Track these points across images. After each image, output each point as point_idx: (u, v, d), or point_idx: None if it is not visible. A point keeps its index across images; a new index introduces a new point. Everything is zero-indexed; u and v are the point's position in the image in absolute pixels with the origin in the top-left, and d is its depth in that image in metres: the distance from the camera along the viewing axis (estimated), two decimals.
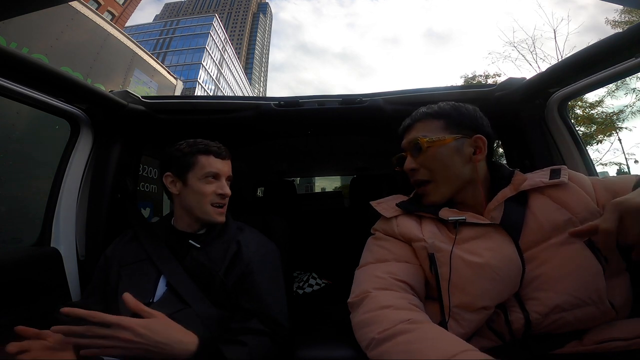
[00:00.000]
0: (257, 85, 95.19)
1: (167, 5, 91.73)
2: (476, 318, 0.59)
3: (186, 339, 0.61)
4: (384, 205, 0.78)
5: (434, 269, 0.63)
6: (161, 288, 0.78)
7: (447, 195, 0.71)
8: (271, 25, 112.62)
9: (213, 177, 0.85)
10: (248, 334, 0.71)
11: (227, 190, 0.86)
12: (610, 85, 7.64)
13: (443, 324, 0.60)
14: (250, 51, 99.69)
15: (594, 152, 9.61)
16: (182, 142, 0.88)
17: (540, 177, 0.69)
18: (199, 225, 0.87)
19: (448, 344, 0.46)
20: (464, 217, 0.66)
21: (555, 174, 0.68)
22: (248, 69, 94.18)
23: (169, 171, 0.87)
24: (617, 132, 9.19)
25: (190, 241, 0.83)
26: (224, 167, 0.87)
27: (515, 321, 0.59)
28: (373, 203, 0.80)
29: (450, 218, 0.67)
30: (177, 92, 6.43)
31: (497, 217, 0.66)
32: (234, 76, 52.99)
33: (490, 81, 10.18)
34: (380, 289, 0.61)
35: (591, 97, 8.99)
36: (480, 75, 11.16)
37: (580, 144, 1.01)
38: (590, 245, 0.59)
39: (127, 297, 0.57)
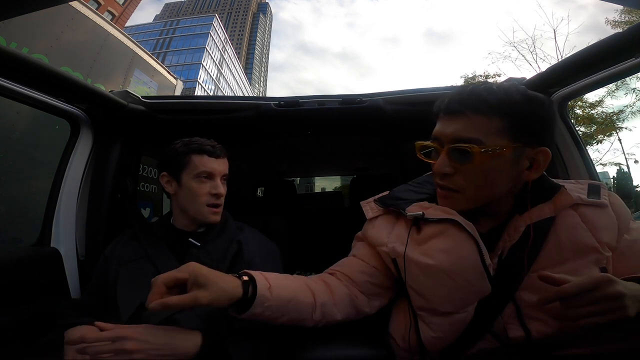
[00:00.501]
0: (257, 85, 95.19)
1: (167, 5, 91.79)
2: (446, 322, 0.57)
3: (188, 335, 0.61)
4: (371, 205, 0.73)
5: (398, 273, 0.62)
6: None
7: (470, 207, 0.58)
8: (271, 25, 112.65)
9: (206, 176, 0.84)
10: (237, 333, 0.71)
11: (221, 190, 0.84)
12: (610, 85, 7.64)
13: (414, 325, 0.60)
14: (250, 51, 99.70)
15: (594, 152, 9.62)
16: (178, 142, 0.87)
17: (578, 191, 0.59)
18: (196, 225, 0.87)
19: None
20: (421, 213, 0.59)
21: (594, 191, 0.59)
22: (248, 69, 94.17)
23: (165, 171, 0.87)
24: (617, 132, 9.20)
25: (190, 239, 0.83)
26: (218, 166, 0.85)
27: (515, 338, 0.56)
28: (362, 203, 0.74)
29: (408, 214, 0.61)
30: (177, 92, 6.44)
31: (518, 233, 0.57)
32: (234, 76, 53.00)
33: (490, 81, 10.17)
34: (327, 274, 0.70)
35: (591, 97, 9.00)
36: (480, 76, 11.16)
37: (580, 144, 1.01)
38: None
39: (100, 324, 0.57)
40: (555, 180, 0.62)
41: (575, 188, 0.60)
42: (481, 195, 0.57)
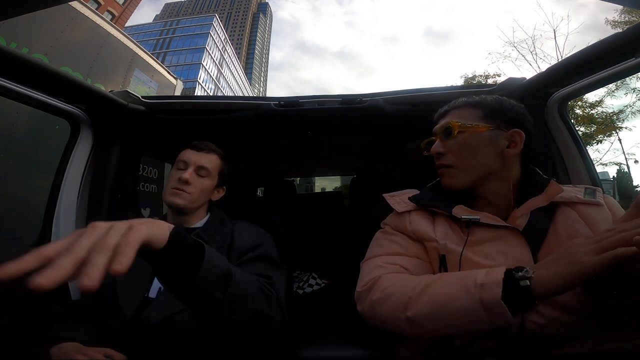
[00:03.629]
0: (257, 85, 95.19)
1: (167, 5, 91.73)
2: None
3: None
4: (397, 199, 0.75)
5: (443, 270, 0.62)
6: (157, 283, 0.78)
7: (466, 182, 0.67)
8: (271, 25, 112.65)
9: (182, 165, 0.88)
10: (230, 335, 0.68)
11: (185, 175, 0.84)
12: (610, 85, 7.64)
13: None
14: (250, 51, 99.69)
15: (594, 152, 9.63)
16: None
17: (575, 192, 0.66)
18: (177, 216, 0.87)
19: (469, 274, 0.52)
20: (477, 217, 0.64)
21: (590, 193, 0.66)
22: (248, 69, 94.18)
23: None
24: (617, 132, 9.20)
25: None
26: (195, 157, 0.88)
27: (510, 327, 0.56)
28: (386, 196, 0.77)
29: (463, 217, 0.65)
30: (177, 92, 6.44)
31: (521, 225, 0.63)
32: (234, 76, 53.00)
33: (490, 81, 10.17)
34: (391, 273, 0.62)
35: (591, 97, 9.01)
36: (480, 76, 11.16)
37: (580, 144, 1.01)
38: None
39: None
40: (546, 177, 0.70)
41: (572, 190, 0.67)
42: (471, 167, 0.66)
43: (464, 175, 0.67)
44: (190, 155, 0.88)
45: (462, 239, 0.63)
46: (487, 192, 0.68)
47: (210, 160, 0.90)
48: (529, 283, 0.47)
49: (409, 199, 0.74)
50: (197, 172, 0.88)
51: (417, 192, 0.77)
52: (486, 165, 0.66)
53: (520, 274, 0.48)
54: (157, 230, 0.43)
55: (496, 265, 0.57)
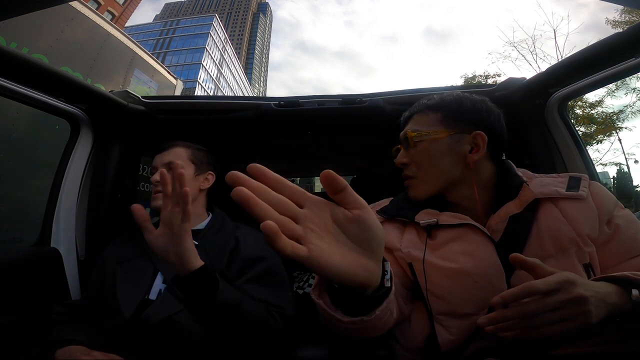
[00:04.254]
0: (257, 85, 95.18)
1: (167, 5, 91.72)
2: (465, 324, 0.57)
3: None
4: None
5: (414, 278, 0.62)
6: (158, 285, 0.78)
7: (430, 192, 0.66)
8: (271, 25, 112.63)
9: (154, 171, 0.92)
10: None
11: (155, 177, 0.89)
12: (610, 85, 7.64)
13: (431, 330, 0.59)
14: (250, 51, 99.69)
15: (594, 152, 9.64)
16: None
17: (556, 185, 0.62)
18: None
19: None
20: (435, 220, 0.62)
21: (574, 184, 0.62)
22: (248, 69, 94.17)
23: None
24: (617, 132, 9.20)
25: None
26: (160, 158, 0.92)
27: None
28: None
29: (421, 222, 0.63)
30: (177, 92, 6.44)
31: (500, 230, 0.60)
32: (234, 76, 53.00)
33: (490, 81, 10.18)
34: None
35: (591, 97, 9.02)
36: (480, 76, 11.18)
37: (580, 144, 1.01)
38: (587, 270, 0.56)
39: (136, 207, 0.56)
40: (535, 175, 0.67)
41: (554, 182, 0.63)
42: (433, 177, 0.65)
43: (426, 186, 0.66)
44: (156, 159, 0.93)
45: (428, 246, 0.62)
46: (458, 198, 0.66)
47: (176, 154, 0.92)
48: None
49: (377, 212, 0.72)
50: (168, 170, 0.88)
51: (389, 200, 0.76)
52: (448, 174, 0.64)
53: None
54: None
55: (460, 267, 0.57)
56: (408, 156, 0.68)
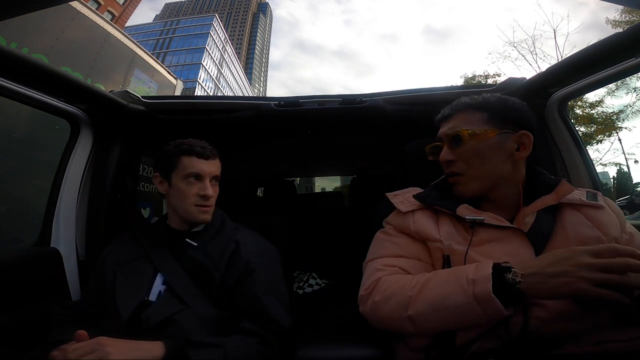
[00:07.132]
0: (257, 85, 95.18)
1: (167, 5, 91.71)
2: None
3: (149, 346, 0.60)
4: (400, 198, 0.74)
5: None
6: (157, 286, 0.78)
7: (478, 190, 0.67)
8: (271, 25, 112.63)
9: (195, 177, 0.83)
10: (234, 334, 0.70)
11: (209, 192, 0.83)
12: (610, 85, 7.64)
13: None
14: (250, 51, 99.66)
15: (594, 152, 9.63)
16: (171, 143, 0.87)
17: (579, 195, 0.67)
18: (189, 225, 0.87)
19: (460, 271, 0.55)
20: (482, 217, 0.63)
21: (591, 196, 0.67)
22: (248, 68, 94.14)
23: (158, 171, 0.87)
24: (617, 132, 9.20)
25: (187, 240, 0.83)
26: (207, 167, 0.84)
27: (513, 324, 0.56)
28: (389, 195, 0.76)
29: (467, 217, 0.64)
30: (177, 92, 6.44)
31: (528, 224, 0.63)
32: (234, 76, 52.99)
33: (490, 81, 10.17)
34: (390, 274, 0.63)
35: (591, 97, 9.01)
36: (480, 76, 11.16)
37: (580, 144, 1.01)
38: None
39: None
40: (554, 177, 0.70)
41: (576, 192, 0.67)
42: (482, 174, 0.66)
43: (476, 183, 0.67)
44: (201, 166, 0.83)
45: (466, 239, 0.63)
46: (496, 196, 0.68)
47: (218, 167, 0.89)
48: (518, 286, 0.50)
49: (414, 196, 0.73)
50: (212, 182, 0.86)
51: (420, 190, 0.76)
52: (497, 171, 0.66)
53: (509, 276, 0.50)
54: None
55: None
56: (455, 153, 0.68)
